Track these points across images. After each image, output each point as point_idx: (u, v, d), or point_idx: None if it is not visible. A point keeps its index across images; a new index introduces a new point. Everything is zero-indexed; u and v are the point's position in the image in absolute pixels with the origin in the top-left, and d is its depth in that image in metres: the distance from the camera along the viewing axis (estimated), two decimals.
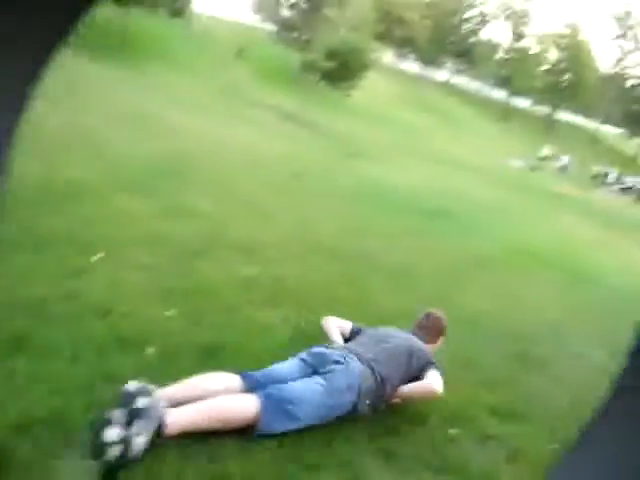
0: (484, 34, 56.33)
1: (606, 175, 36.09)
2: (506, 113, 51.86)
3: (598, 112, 56.75)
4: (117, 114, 10.29)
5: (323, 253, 5.66)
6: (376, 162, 14.95)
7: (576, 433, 2.14)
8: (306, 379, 2.56)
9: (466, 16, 55.84)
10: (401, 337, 3.07)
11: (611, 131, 59.48)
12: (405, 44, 51.57)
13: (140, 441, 1.98)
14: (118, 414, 2.01)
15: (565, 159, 36.51)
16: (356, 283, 5.02)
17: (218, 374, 2.45)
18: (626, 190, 33.67)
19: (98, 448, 1.91)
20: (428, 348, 3.13)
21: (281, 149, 12.63)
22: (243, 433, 2.30)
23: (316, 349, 2.79)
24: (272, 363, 2.68)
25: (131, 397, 2.06)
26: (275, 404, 2.35)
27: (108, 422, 1.96)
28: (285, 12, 33.36)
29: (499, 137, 41.65)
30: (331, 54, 21.18)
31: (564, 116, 58.32)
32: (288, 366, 2.67)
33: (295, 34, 30.68)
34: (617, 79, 56.46)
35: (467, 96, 52.18)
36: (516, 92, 52.41)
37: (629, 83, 57.57)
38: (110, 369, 2.47)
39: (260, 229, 5.93)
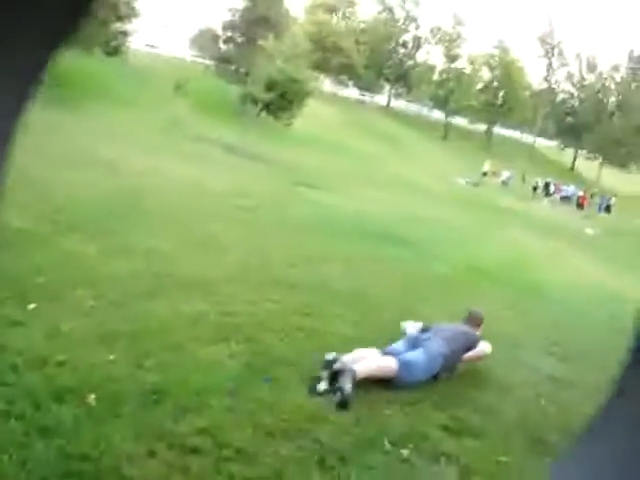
0: (420, 57, 58.04)
1: (547, 186, 37.38)
2: (446, 133, 53.31)
3: (533, 126, 59.02)
4: (60, 156, 10.05)
5: (276, 284, 5.62)
6: (323, 189, 15.06)
7: (527, 445, 2.17)
8: (413, 351, 3.88)
9: (401, 41, 57.49)
10: (458, 326, 4.42)
11: (546, 144, 61.90)
12: (343, 71, 52.62)
13: (348, 387, 3.30)
14: (323, 374, 3.41)
15: (506, 174, 37.71)
16: (311, 312, 4.98)
17: (368, 349, 3.83)
18: (565, 199, 34.99)
19: (319, 394, 3.31)
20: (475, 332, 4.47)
21: (228, 182, 12.58)
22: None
23: (410, 336, 4.16)
24: (216, 401, 2.64)
25: (329, 363, 3.44)
26: (405, 364, 3.69)
27: (319, 380, 3.40)
28: (222, 46, 33.60)
29: (442, 157, 42.71)
30: (269, 85, 21.35)
31: (502, 132, 60.42)
32: (399, 345, 4.02)
33: (233, 67, 30.88)
34: (548, 94, 59.02)
35: (408, 118, 53.41)
36: (454, 112, 53.99)
37: (559, 97, 60.27)
38: (47, 422, 2.38)
39: (209, 264, 5.85)
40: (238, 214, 9.09)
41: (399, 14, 57.29)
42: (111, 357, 3.17)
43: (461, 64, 55.36)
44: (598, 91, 56.65)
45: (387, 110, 54.53)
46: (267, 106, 22.25)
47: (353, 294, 5.89)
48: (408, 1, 56.65)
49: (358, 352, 3.73)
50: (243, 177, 14.12)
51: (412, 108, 60.52)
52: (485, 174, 36.89)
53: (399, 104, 60.26)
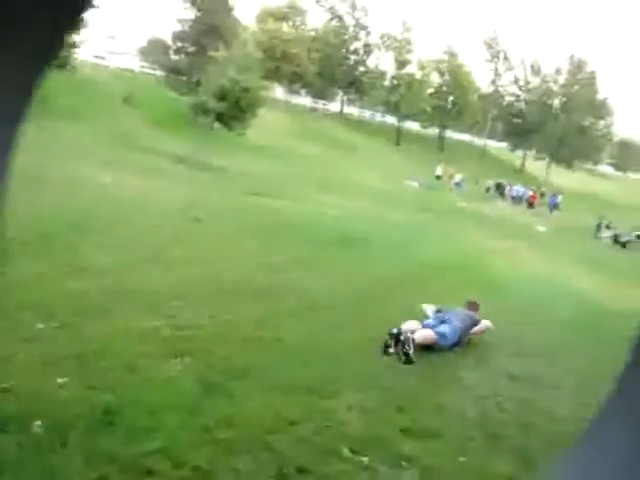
0: (371, 63, 58.64)
1: (498, 187, 38.21)
2: (399, 137, 53.99)
3: (483, 129, 60.43)
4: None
5: (231, 295, 5.56)
6: (277, 197, 15.01)
7: (486, 442, 2.17)
8: (442, 325, 5.22)
9: (352, 48, 57.99)
10: (463, 310, 5.72)
11: (497, 145, 63.45)
12: (295, 79, 52.72)
13: (411, 351, 4.64)
14: (390, 342, 4.70)
15: (459, 176, 38.37)
16: (269, 321, 4.93)
17: (412, 321, 5.24)
18: (516, 199, 35.82)
19: (390, 356, 4.65)
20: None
21: (179, 194, 12.40)
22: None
23: (435, 316, 5.57)
24: (171, 419, 2.57)
25: (393, 335, 4.74)
26: (440, 335, 5.06)
27: (389, 346, 4.71)
28: (173, 56, 33.26)
29: (395, 161, 43.21)
30: (221, 95, 21.18)
31: (453, 136, 61.61)
32: (431, 320, 5.40)
33: (184, 78, 30.59)
34: (496, 97, 60.61)
35: (361, 125, 53.91)
36: (406, 117, 54.72)
37: (507, 100, 61.89)
38: None
39: (161, 279, 5.73)
40: (190, 226, 8.96)
41: (349, 22, 57.80)
42: (60, 380, 3.07)
43: (411, 69, 56.15)
44: (543, 94, 58.40)
45: (340, 117, 54.92)
46: (220, 116, 22.05)
47: (312, 299, 5.87)
48: (357, 9, 57.26)
49: (407, 324, 5.08)
50: (195, 189, 13.94)
51: (365, 114, 61.16)
52: (439, 178, 37.47)
53: (352, 110, 60.79)
